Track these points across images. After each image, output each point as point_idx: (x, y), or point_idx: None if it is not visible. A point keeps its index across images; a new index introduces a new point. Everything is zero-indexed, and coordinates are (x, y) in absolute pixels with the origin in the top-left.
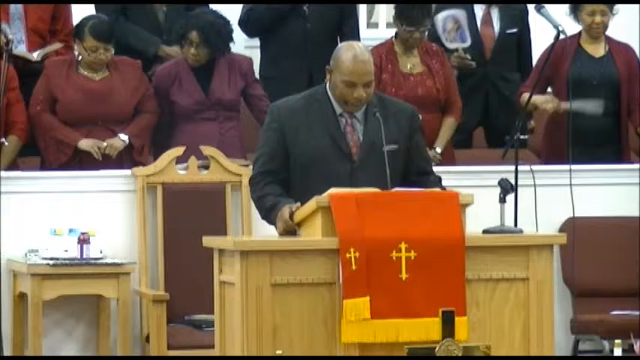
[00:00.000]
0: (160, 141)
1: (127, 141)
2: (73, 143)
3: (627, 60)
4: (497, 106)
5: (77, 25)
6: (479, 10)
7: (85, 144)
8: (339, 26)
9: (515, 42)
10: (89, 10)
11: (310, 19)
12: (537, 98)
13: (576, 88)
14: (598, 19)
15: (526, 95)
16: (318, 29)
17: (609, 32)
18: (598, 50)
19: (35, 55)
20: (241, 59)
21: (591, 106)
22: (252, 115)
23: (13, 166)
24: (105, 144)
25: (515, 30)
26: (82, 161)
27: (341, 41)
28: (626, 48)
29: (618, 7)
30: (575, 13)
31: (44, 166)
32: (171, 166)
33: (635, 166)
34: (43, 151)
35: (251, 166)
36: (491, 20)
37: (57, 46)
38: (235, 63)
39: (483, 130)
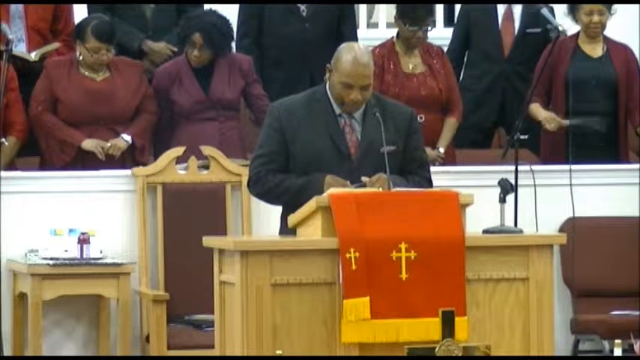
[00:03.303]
0: (160, 141)
1: (130, 141)
2: (76, 143)
3: (625, 60)
4: (514, 105)
5: (78, 26)
6: (501, 7)
7: (88, 144)
8: (338, 27)
9: (540, 42)
10: (82, 9)
11: (308, 20)
12: (540, 113)
13: (574, 89)
14: (596, 18)
15: (533, 105)
16: (317, 30)
17: (608, 32)
18: (596, 50)
19: (33, 55)
20: (241, 59)
21: (592, 123)
22: (252, 114)
23: (11, 166)
24: (109, 144)
25: (538, 30)
26: (84, 161)
27: (340, 42)
28: (624, 48)
29: (616, 7)
30: (573, 13)
31: (44, 166)
32: (171, 166)
33: (635, 166)
34: (45, 151)
35: None
36: (513, 17)
37: (55, 45)
38: (235, 62)
39: (505, 130)
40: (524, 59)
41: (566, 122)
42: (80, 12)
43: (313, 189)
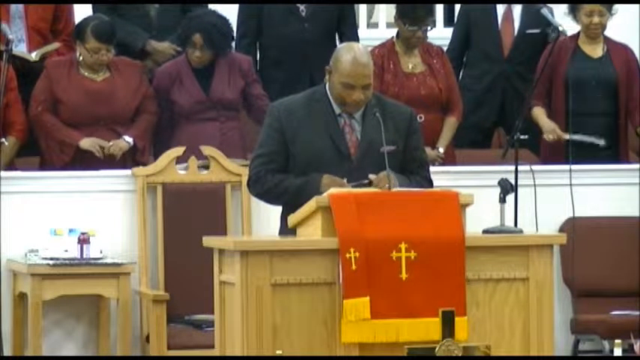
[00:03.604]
0: (160, 141)
1: (132, 142)
2: (74, 143)
3: (626, 60)
4: (514, 105)
5: (78, 26)
6: (501, 7)
7: (86, 143)
8: (338, 26)
9: (540, 43)
10: (86, 9)
11: (307, 20)
12: (542, 121)
13: (575, 89)
14: (596, 19)
15: (536, 109)
16: (316, 30)
17: (608, 33)
18: (596, 51)
19: (33, 55)
20: (241, 59)
21: (592, 139)
22: (250, 114)
23: (11, 166)
24: (110, 144)
25: (537, 30)
26: (84, 161)
27: (340, 41)
28: (624, 48)
29: (617, 7)
30: (573, 14)
31: (44, 166)
32: (171, 166)
33: (635, 166)
34: (45, 151)
35: None
36: (512, 18)
37: (55, 45)
38: (235, 62)
39: (505, 130)
40: (524, 59)
41: (566, 136)
42: (85, 12)
43: (311, 189)
